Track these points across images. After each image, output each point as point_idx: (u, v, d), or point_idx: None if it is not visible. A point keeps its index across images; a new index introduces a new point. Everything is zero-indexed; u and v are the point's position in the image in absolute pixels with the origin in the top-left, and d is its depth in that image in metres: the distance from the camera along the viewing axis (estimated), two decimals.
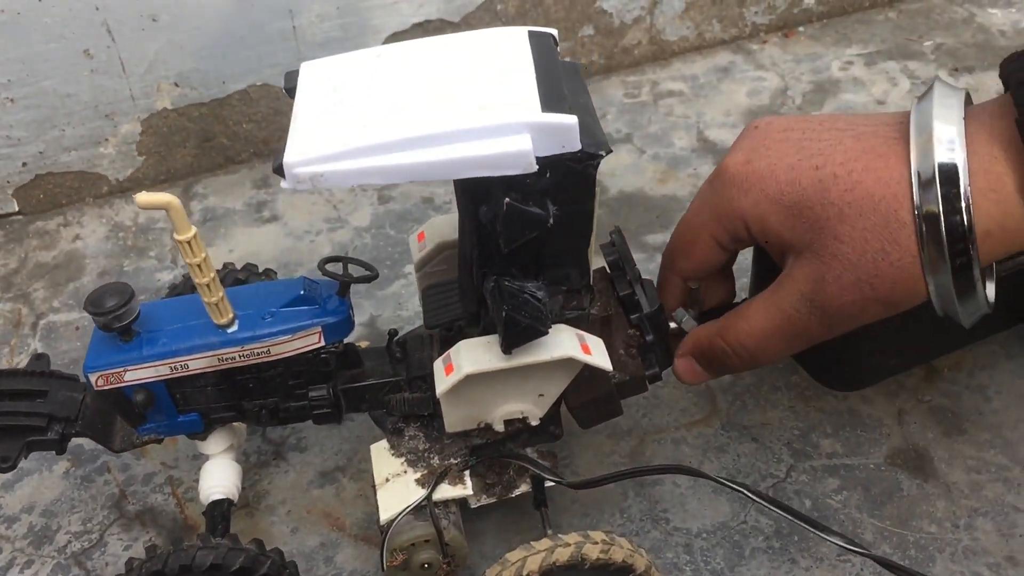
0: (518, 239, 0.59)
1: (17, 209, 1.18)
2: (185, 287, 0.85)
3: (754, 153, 0.63)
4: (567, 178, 0.58)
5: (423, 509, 0.67)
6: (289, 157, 0.56)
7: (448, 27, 1.24)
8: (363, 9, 1.16)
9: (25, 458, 0.69)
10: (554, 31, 0.64)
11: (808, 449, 0.81)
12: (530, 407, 0.68)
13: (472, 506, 0.72)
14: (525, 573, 0.60)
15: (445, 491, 0.67)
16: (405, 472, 0.69)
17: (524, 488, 0.72)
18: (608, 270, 0.72)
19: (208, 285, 0.64)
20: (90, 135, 1.15)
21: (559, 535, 0.62)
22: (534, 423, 0.68)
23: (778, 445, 0.82)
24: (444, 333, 0.70)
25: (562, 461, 0.82)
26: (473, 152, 0.54)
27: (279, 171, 0.56)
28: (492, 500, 0.72)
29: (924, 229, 0.56)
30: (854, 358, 0.80)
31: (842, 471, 0.79)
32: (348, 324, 0.68)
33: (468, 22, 1.24)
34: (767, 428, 0.83)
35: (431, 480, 0.68)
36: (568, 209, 0.59)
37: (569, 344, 0.63)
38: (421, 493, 0.67)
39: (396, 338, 0.73)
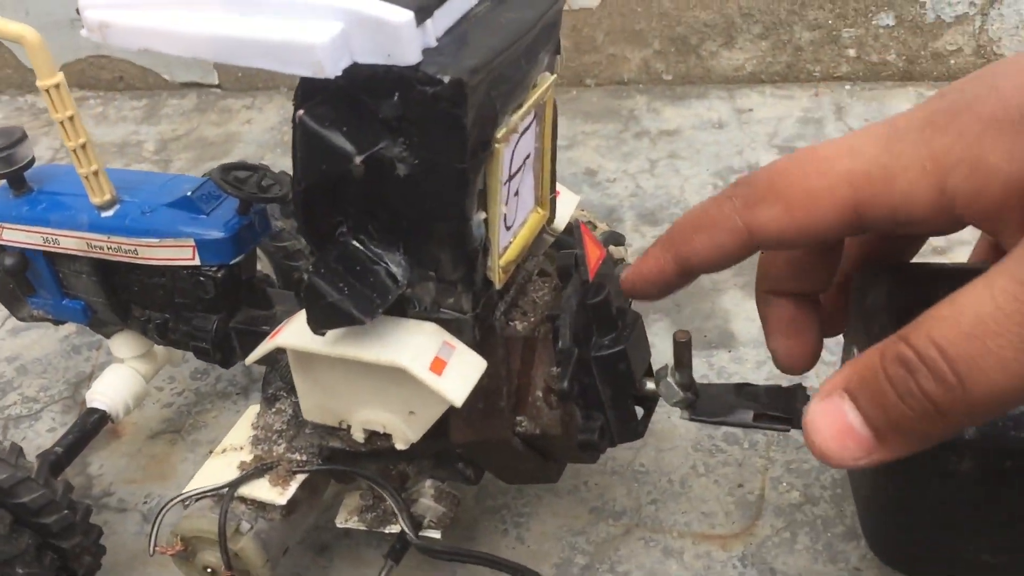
0: (315, 175, 0.41)
1: (217, 82, 1.17)
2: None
3: (970, 81, 0.36)
4: (421, 111, 0.39)
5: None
6: None
7: None
8: None
9: None
10: None
11: None
12: (397, 423, 0.50)
13: (338, 524, 0.56)
14: None
15: (257, 489, 0.52)
16: (242, 448, 0.54)
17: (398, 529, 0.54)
18: (555, 276, 0.52)
19: (77, 151, 0.54)
20: None
21: None
22: (400, 446, 0.50)
23: None
24: None
25: (516, 518, 0.62)
26: (256, 32, 0.38)
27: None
28: (362, 527, 0.55)
29: None
30: (944, 542, 0.51)
31: None
32: (229, 247, 0.55)
33: None
34: None
35: (248, 469, 0.52)
36: (426, 158, 0.41)
37: (410, 349, 0.45)
38: (227, 480, 0.52)
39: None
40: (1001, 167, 0.32)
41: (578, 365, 0.49)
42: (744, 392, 0.51)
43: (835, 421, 0.34)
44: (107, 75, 1.21)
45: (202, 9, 0.40)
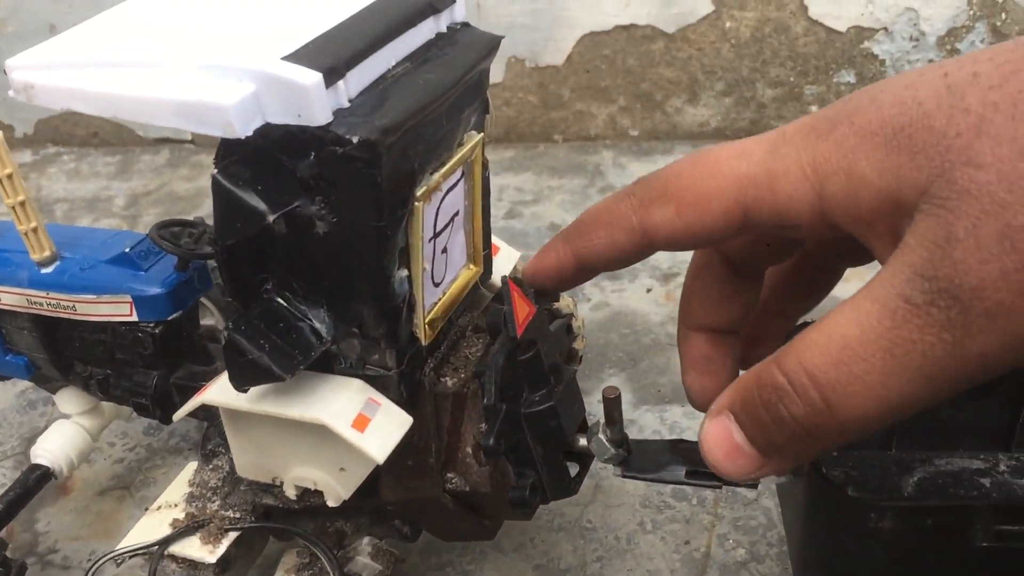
0: (233, 233, 0.42)
1: (190, 138, 1.19)
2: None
3: (858, 93, 0.37)
4: (335, 170, 0.40)
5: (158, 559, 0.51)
6: (15, 58, 0.44)
7: (660, 36, 1.05)
8: None
9: None
10: None
11: None
12: (327, 480, 0.50)
13: None
14: None
15: (188, 547, 0.52)
16: (176, 505, 0.54)
17: None
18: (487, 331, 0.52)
19: (16, 208, 0.54)
20: None
21: None
22: (332, 503, 0.50)
23: None
24: None
25: (466, 573, 0.62)
26: (170, 93, 0.39)
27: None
28: None
29: None
30: None
31: None
32: (166, 303, 0.55)
33: (686, 35, 1.04)
34: None
35: (180, 527, 0.52)
36: (344, 217, 0.41)
37: (333, 406, 0.45)
38: (159, 537, 0.52)
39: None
40: (872, 179, 0.33)
41: (508, 422, 0.48)
42: (678, 448, 0.51)
43: (724, 440, 0.36)
44: (81, 131, 1.22)
45: (119, 70, 0.41)
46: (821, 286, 0.45)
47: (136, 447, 0.75)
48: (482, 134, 0.49)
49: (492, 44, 0.47)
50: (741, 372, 0.45)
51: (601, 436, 0.50)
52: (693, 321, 0.44)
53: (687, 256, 0.43)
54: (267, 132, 0.39)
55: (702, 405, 0.45)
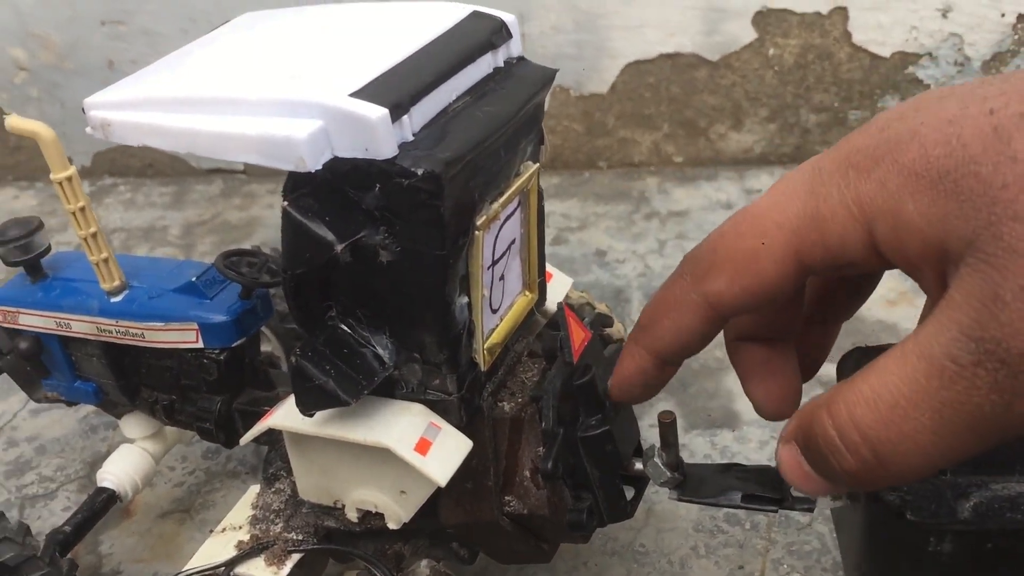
0: (301, 262, 0.43)
1: (242, 168, 1.21)
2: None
3: (894, 119, 0.36)
4: (400, 201, 0.41)
5: None
6: (92, 97, 0.46)
7: (704, 64, 1.06)
8: (602, 27, 1.03)
9: None
10: (509, 17, 0.47)
11: None
12: (388, 503, 0.51)
13: None
14: None
15: (253, 568, 0.53)
16: (240, 528, 0.56)
17: None
18: (543, 358, 0.53)
19: (88, 240, 0.56)
20: None
21: None
22: (392, 525, 0.51)
23: None
24: None
25: None
26: (242, 129, 0.41)
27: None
28: None
29: None
30: None
31: None
32: (231, 330, 0.56)
33: (729, 63, 1.05)
34: None
35: (245, 549, 0.53)
36: (408, 246, 0.43)
37: (396, 430, 0.46)
38: (225, 558, 0.53)
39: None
40: (920, 225, 0.32)
41: (564, 445, 0.49)
42: (733, 472, 0.52)
43: (796, 466, 0.37)
44: (137, 163, 1.25)
45: (192, 107, 0.43)
46: (863, 291, 0.45)
47: (195, 471, 0.76)
48: (538, 164, 0.50)
49: (547, 77, 0.48)
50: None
51: (657, 460, 0.50)
52: (741, 333, 0.44)
53: None
54: (335, 166, 0.41)
55: (774, 412, 0.45)
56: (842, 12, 1.02)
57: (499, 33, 0.47)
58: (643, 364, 0.42)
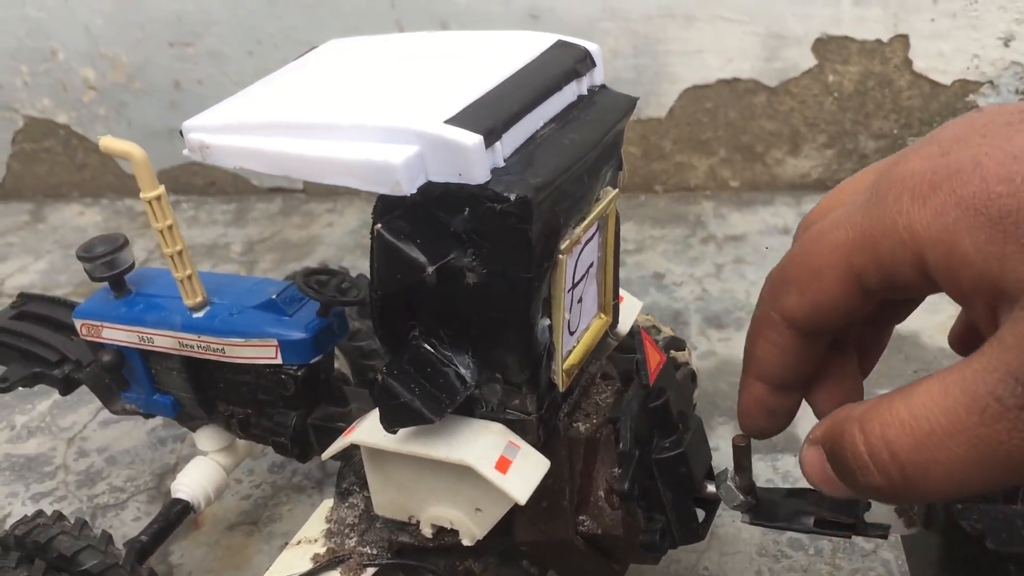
0: (392, 283, 0.44)
1: (302, 187, 1.23)
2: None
3: (956, 142, 0.35)
4: (489, 225, 0.42)
5: None
6: (191, 120, 0.48)
7: (763, 90, 1.07)
8: (661, 53, 1.04)
9: (30, 387, 0.68)
10: (592, 46, 0.48)
11: None
12: (463, 520, 0.52)
13: None
14: None
15: None
16: (316, 541, 0.57)
17: None
18: (618, 380, 0.54)
19: (173, 257, 0.58)
20: None
21: None
22: (466, 542, 0.52)
23: None
24: None
25: None
26: (340, 153, 0.42)
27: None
28: None
29: None
30: None
31: None
32: (309, 347, 0.58)
33: (788, 89, 1.05)
34: None
35: (322, 562, 0.55)
36: (494, 268, 0.44)
37: (477, 448, 0.47)
38: (301, 571, 0.54)
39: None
40: (975, 261, 0.33)
41: (639, 467, 0.50)
42: (805, 497, 0.52)
43: (820, 469, 0.39)
44: (200, 181, 1.28)
45: (291, 134, 0.44)
46: (900, 316, 0.46)
47: (262, 484, 0.78)
48: (616, 190, 0.51)
49: (629, 106, 0.49)
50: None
51: (730, 483, 0.51)
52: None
53: None
54: (427, 189, 0.42)
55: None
56: (903, 40, 1.02)
57: (584, 62, 0.48)
58: (757, 393, 0.43)
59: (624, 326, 0.59)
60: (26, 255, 1.20)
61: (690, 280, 0.99)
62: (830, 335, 0.42)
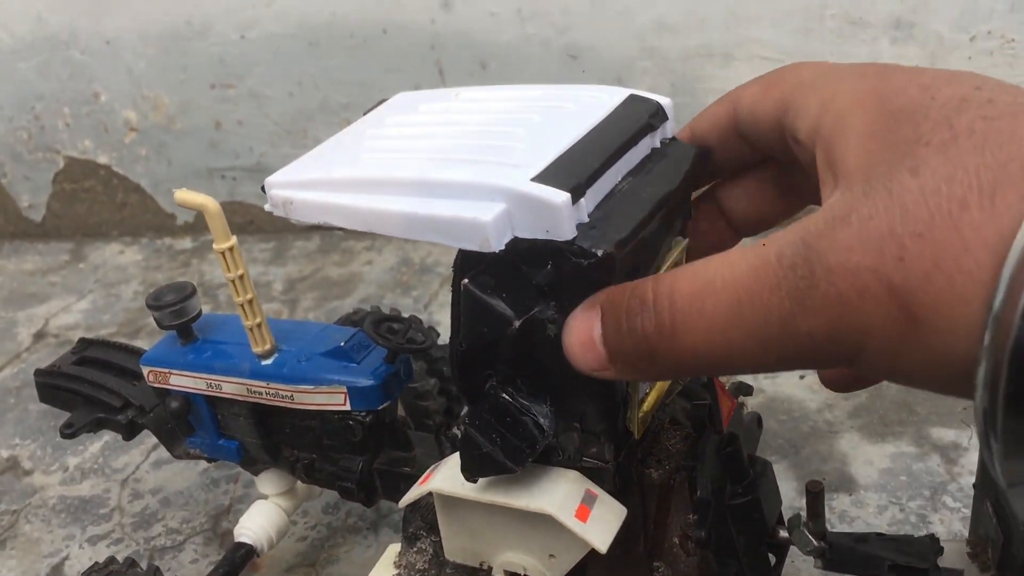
0: (477, 336, 0.45)
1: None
2: (354, 317, 0.81)
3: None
4: (571, 278, 0.43)
5: None
6: (273, 176, 0.49)
7: None
8: (700, 91, 1.05)
9: (94, 432, 0.69)
10: (665, 100, 0.49)
11: None
12: (537, 566, 0.52)
13: None
14: None
15: None
16: None
17: None
18: (688, 425, 0.54)
19: (244, 306, 0.59)
20: None
21: None
22: None
23: None
24: None
25: None
26: (428, 210, 0.43)
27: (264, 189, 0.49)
28: None
29: None
30: None
31: None
32: (377, 394, 0.59)
33: None
34: None
35: None
36: None
37: (556, 497, 0.48)
38: None
39: (453, 430, 0.62)
40: (852, 145, 0.34)
41: (713, 513, 0.51)
42: (875, 542, 0.52)
43: (585, 331, 0.39)
44: (239, 219, 1.29)
45: (377, 190, 0.45)
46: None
47: (317, 525, 0.78)
48: (687, 240, 0.52)
49: (698, 157, 0.50)
50: None
51: (803, 529, 0.52)
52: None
53: None
54: (513, 245, 0.43)
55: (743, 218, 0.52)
56: None
57: (657, 115, 0.49)
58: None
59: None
60: (68, 295, 1.21)
61: None
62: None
